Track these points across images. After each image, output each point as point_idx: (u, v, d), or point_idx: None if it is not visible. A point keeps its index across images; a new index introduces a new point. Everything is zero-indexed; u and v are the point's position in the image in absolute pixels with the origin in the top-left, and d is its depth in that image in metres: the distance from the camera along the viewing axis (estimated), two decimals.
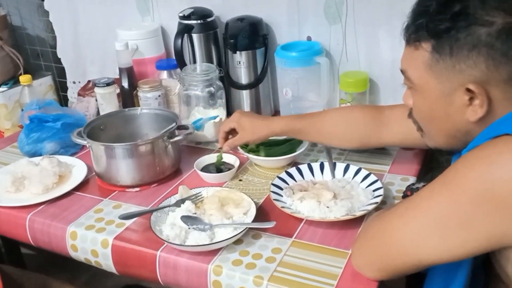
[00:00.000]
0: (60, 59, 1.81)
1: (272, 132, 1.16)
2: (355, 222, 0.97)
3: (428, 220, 0.72)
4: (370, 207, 0.98)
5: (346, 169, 1.12)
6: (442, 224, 0.70)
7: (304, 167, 1.14)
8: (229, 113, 1.46)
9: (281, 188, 1.08)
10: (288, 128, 1.15)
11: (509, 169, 0.65)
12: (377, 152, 1.24)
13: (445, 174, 0.72)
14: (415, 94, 0.83)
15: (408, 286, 1.12)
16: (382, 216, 0.82)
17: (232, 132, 1.20)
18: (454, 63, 0.73)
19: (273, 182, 1.09)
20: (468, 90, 0.73)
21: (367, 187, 1.06)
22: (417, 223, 0.73)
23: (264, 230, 0.97)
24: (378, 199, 0.99)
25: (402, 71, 0.83)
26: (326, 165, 1.14)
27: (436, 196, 0.72)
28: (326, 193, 1.03)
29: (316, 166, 1.14)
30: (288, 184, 1.10)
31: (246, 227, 0.94)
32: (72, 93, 1.83)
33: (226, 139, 1.20)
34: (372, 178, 1.07)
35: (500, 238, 0.67)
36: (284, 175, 1.12)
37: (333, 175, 1.12)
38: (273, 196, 1.04)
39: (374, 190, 1.04)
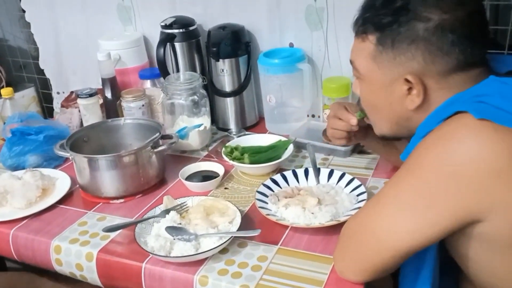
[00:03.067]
0: (43, 70, 1.79)
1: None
2: (340, 227, 0.96)
3: (398, 206, 0.74)
4: (354, 212, 0.98)
5: (330, 174, 1.13)
6: (411, 207, 0.73)
7: (289, 174, 1.14)
8: (213, 121, 1.47)
9: (266, 195, 1.08)
10: None
11: (466, 144, 0.68)
12: (361, 156, 1.25)
13: (407, 161, 0.75)
14: (362, 84, 0.88)
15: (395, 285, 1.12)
16: (356, 214, 0.84)
17: None
18: (395, 55, 0.78)
19: (258, 190, 1.09)
20: (407, 80, 0.78)
21: (351, 192, 1.06)
22: (388, 211, 0.75)
23: (250, 238, 0.97)
24: (362, 204, 1.00)
25: (351, 62, 0.88)
26: (311, 171, 1.14)
27: (402, 182, 0.75)
28: (310, 199, 1.03)
29: (300, 172, 1.15)
30: (273, 190, 1.10)
31: (231, 236, 0.94)
32: (57, 103, 1.82)
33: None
34: (356, 182, 1.08)
35: (465, 214, 0.69)
36: (269, 182, 1.12)
37: (318, 181, 1.12)
38: (258, 203, 1.04)
39: (358, 195, 1.04)
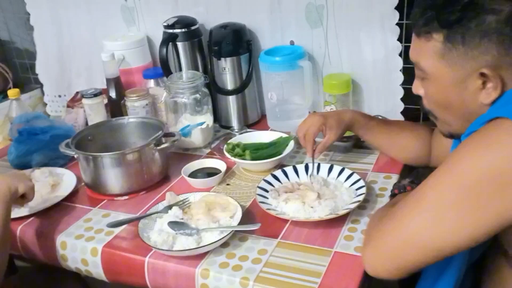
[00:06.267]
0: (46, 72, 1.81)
1: (346, 125, 1.14)
2: (339, 220, 0.99)
3: (441, 208, 0.73)
4: (353, 206, 0.99)
5: (330, 169, 1.14)
6: (455, 210, 0.72)
7: (289, 169, 1.16)
8: (216, 119, 1.49)
9: (267, 191, 1.09)
10: (356, 120, 1.14)
11: (507, 149, 0.69)
12: (361, 152, 1.26)
13: (447, 162, 0.75)
14: (428, 84, 0.86)
15: (400, 282, 1.14)
16: (391, 213, 0.81)
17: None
18: (467, 50, 0.77)
19: (259, 185, 1.10)
20: (482, 74, 0.77)
21: (350, 186, 1.08)
22: (431, 213, 0.74)
23: (251, 232, 0.99)
24: (361, 198, 1.01)
25: (414, 63, 0.87)
26: (311, 167, 1.15)
27: (443, 184, 0.74)
28: (310, 193, 1.04)
29: (301, 167, 1.16)
30: (274, 186, 1.12)
31: (232, 230, 0.96)
32: (55, 107, 1.82)
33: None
34: (355, 177, 1.09)
35: (509, 216, 0.70)
36: (270, 178, 1.14)
37: (316, 174, 1.14)
38: (259, 198, 1.06)
39: (357, 189, 1.06)
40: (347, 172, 1.11)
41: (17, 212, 1.13)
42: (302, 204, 1.01)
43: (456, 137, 0.91)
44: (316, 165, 1.15)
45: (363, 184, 1.06)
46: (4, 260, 0.95)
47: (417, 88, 0.90)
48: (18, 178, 1.04)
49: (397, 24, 1.26)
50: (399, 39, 1.27)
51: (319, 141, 1.15)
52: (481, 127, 0.74)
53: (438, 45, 0.80)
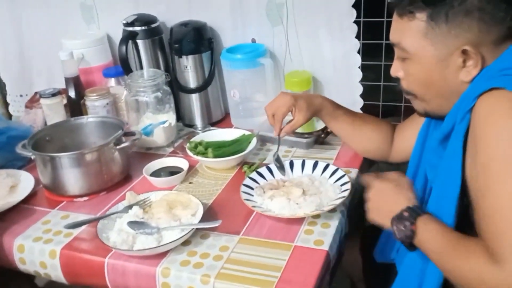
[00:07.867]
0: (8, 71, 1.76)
1: (315, 109, 1.15)
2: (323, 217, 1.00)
3: None
4: (338, 202, 1.00)
5: (315, 165, 1.14)
6: None
7: (274, 166, 1.16)
8: (179, 117, 1.48)
9: (252, 188, 1.09)
10: (324, 106, 1.15)
11: None
12: (322, 147, 1.28)
13: (488, 151, 0.73)
14: (410, 64, 0.87)
15: (364, 271, 1.16)
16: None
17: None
18: (450, 28, 0.80)
19: (244, 183, 1.09)
20: (463, 52, 0.80)
21: (335, 182, 1.08)
22: None
23: (213, 229, 0.99)
24: (346, 193, 1.02)
25: (395, 44, 0.88)
26: (296, 163, 1.16)
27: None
28: (295, 190, 1.05)
29: (286, 164, 1.16)
30: (259, 183, 1.11)
31: (193, 228, 0.96)
32: (17, 107, 1.78)
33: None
34: (340, 173, 1.09)
35: None
36: (254, 175, 1.13)
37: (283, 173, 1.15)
38: (244, 196, 1.05)
39: (341, 185, 1.06)
40: (331, 168, 1.12)
41: None
42: (288, 200, 1.01)
43: (431, 116, 0.92)
44: (300, 161, 1.16)
45: (348, 180, 1.06)
46: None
47: (396, 70, 0.91)
48: None
49: (354, 21, 1.28)
50: (357, 37, 1.30)
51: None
52: (479, 101, 0.74)
53: (422, 24, 0.81)
